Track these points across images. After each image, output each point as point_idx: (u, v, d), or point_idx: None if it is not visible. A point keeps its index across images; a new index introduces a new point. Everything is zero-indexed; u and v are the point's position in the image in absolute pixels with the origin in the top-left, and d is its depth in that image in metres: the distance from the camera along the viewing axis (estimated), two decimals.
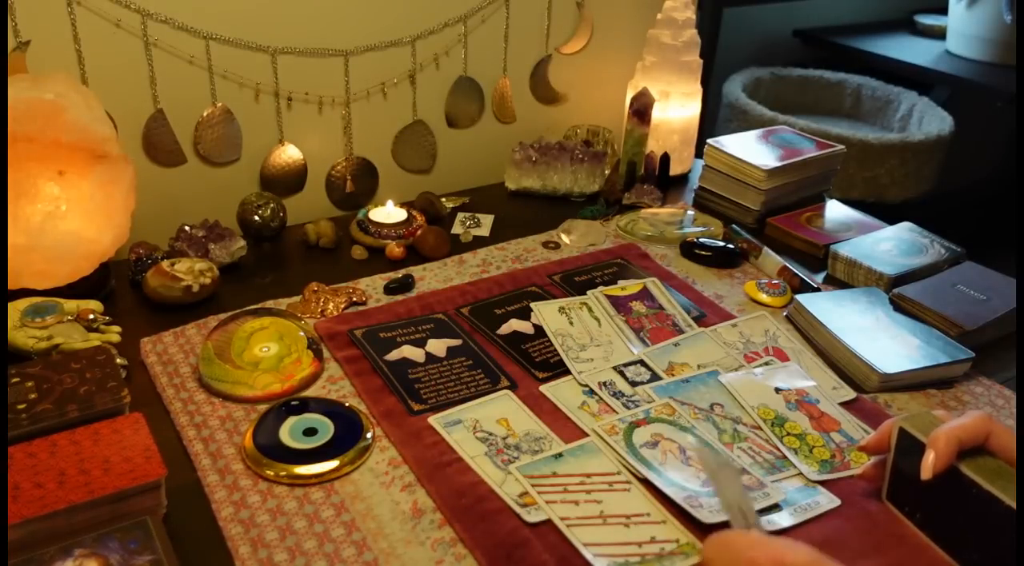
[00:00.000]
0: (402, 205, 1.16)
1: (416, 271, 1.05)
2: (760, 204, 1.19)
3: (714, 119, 1.98)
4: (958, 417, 0.63)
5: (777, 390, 0.83)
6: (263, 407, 0.79)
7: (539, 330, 0.93)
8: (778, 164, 1.19)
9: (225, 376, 0.82)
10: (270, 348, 0.85)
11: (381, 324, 0.93)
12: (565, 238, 1.15)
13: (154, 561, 0.57)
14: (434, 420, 0.78)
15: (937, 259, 1.06)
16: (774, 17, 2.17)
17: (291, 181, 1.21)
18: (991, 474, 0.59)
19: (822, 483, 0.73)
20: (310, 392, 0.83)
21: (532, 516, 0.67)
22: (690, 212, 1.21)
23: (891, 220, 1.18)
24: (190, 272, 0.95)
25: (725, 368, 0.87)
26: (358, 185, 1.26)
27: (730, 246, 1.11)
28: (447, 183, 1.33)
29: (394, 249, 1.08)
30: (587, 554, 0.64)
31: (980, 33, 2.06)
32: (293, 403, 0.79)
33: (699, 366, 0.87)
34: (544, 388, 0.84)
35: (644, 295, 0.99)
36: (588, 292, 0.98)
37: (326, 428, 0.76)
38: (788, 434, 0.78)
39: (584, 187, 1.27)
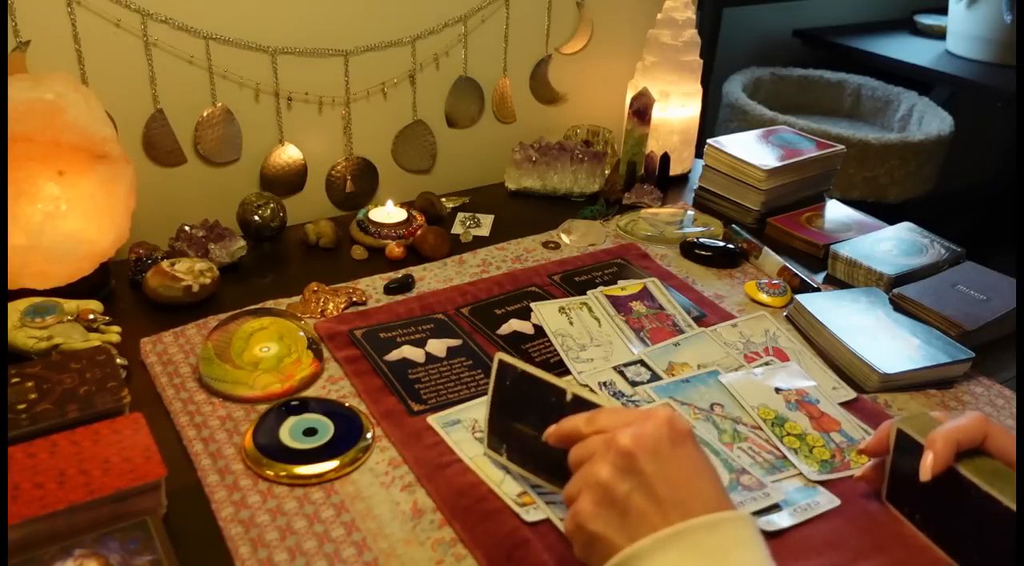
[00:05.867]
0: (402, 205, 1.16)
1: (416, 271, 1.05)
2: (760, 204, 1.19)
3: (714, 119, 1.98)
4: (955, 418, 0.63)
5: (777, 390, 0.83)
6: (263, 407, 0.79)
7: (539, 330, 0.93)
8: (778, 164, 1.19)
9: (225, 376, 0.82)
10: (270, 348, 0.85)
11: (381, 324, 0.93)
12: (565, 238, 1.15)
13: (154, 561, 0.57)
14: (433, 420, 0.78)
15: (937, 259, 1.06)
16: (774, 17, 2.17)
17: (291, 181, 1.21)
18: (989, 475, 0.59)
19: (822, 483, 0.73)
20: (310, 392, 0.83)
21: (531, 515, 0.67)
22: (690, 212, 1.22)
23: (891, 220, 1.18)
24: (190, 272, 0.95)
25: (725, 368, 0.87)
26: (358, 185, 1.26)
27: (730, 246, 1.11)
28: (447, 183, 1.33)
29: (394, 249, 1.08)
30: None
31: (980, 33, 2.06)
32: (293, 403, 0.79)
33: (699, 366, 0.87)
34: None
35: (644, 295, 0.99)
36: (588, 292, 0.98)
37: (326, 428, 0.76)
38: (788, 434, 0.78)
39: (584, 187, 1.27)
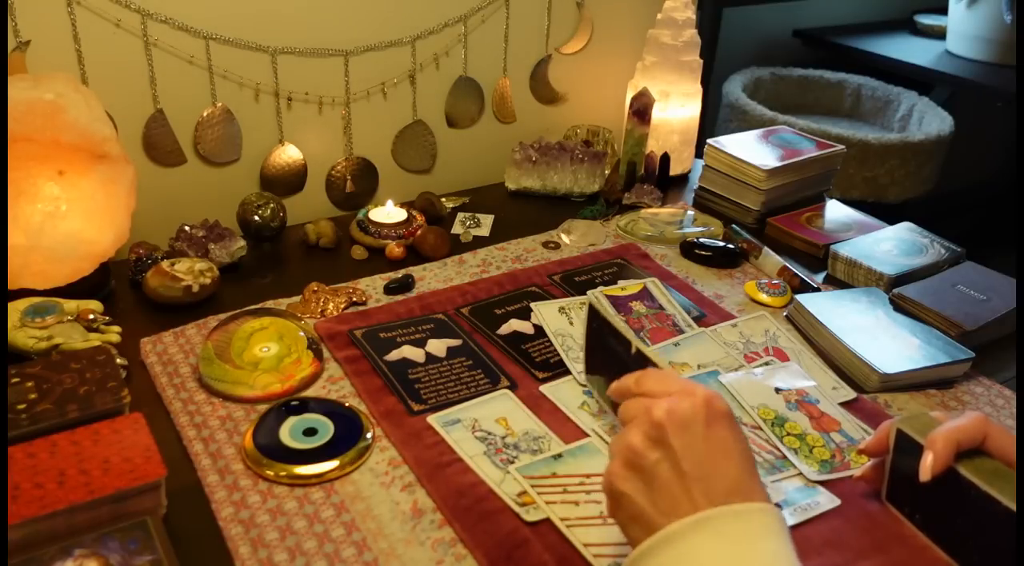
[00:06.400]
0: (402, 205, 1.16)
1: (416, 271, 1.05)
2: (760, 204, 1.19)
3: (714, 119, 1.98)
4: (955, 418, 0.63)
5: (777, 390, 0.83)
6: (263, 407, 0.79)
7: (539, 330, 0.93)
8: (778, 164, 1.19)
9: (225, 376, 0.82)
10: (270, 348, 0.85)
11: (381, 324, 0.93)
12: (565, 238, 1.15)
13: (154, 561, 0.57)
14: (433, 419, 0.78)
15: (937, 259, 1.06)
16: (774, 17, 2.17)
17: (291, 181, 1.21)
18: (989, 475, 0.59)
19: (822, 483, 0.73)
20: (310, 392, 0.83)
21: (531, 515, 0.67)
22: (690, 212, 1.22)
23: (891, 220, 1.18)
24: (190, 272, 0.95)
25: (725, 368, 0.87)
26: (358, 185, 1.26)
27: (730, 246, 1.11)
28: (447, 183, 1.33)
29: (394, 249, 1.08)
30: (587, 554, 0.64)
31: (980, 33, 2.06)
32: (293, 403, 0.79)
33: (699, 366, 0.87)
34: (544, 388, 0.84)
35: (644, 295, 0.99)
36: (588, 292, 0.98)
37: (326, 428, 0.76)
38: (788, 434, 0.78)
39: (584, 187, 1.27)
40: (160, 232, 1.06)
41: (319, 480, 0.72)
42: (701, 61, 1.32)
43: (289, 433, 0.75)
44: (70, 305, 0.88)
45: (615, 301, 0.97)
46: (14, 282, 0.89)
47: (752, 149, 1.23)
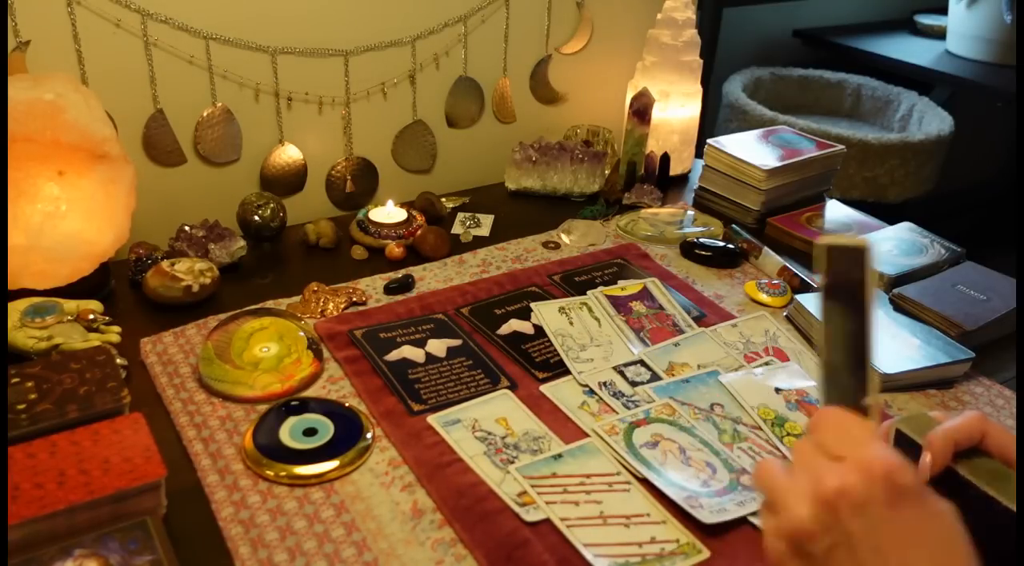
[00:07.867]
0: (402, 205, 1.16)
1: (416, 271, 1.05)
2: (760, 204, 1.19)
3: (714, 119, 1.98)
4: (954, 418, 0.63)
5: (777, 390, 0.83)
6: (263, 407, 0.79)
7: (539, 330, 0.93)
8: (778, 164, 1.19)
9: (225, 376, 0.82)
10: (270, 348, 0.85)
11: (381, 324, 0.93)
12: (565, 238, 1.15)
13: (154, 561, 0.57)
14: (433, 419, 0.78)
15: (937, 259, 1.06)
16: (774, 17, 2.16)
17: (291, 181, 1.21)
18: (988, 475, 0.59)
19: None
20: (310, 392, 0.83)
21: (531, 515, 0.67)
22: (690, 212, 1.22)
23: (891, 220, 1.18)
24: (190, 272, 0.95)
25: (725, 368, 0.87)
26: (358, 185, 1.26)
27: (730, 246, 1.11)
28: (447, 183, 1.33)
29: (394, 249, 1.08)
30: (587, 554, 0.64)
31: (980, 33, 2.06)
32: (293, 403, 0.79)
33: (699, 366, 0.87)
34: (544, 388, 0.84)
35: (644, 295, 0.99)
36: (588, 292, 0.98)
37: (326, 428, 0.76)
38: (788, 434, 0.78)
39: (584, 187, 1.27)
40: (160, 232, 1.06)
41: (319, 480, 0.72)
42: (701, 61, 1.32)
43: (289, 433, 0.75)
44: (70, 305, 0.88)
45: (615, 301, 0.97)
46: (14, 282, 0.89)
47: (752, 149, 1.23)
